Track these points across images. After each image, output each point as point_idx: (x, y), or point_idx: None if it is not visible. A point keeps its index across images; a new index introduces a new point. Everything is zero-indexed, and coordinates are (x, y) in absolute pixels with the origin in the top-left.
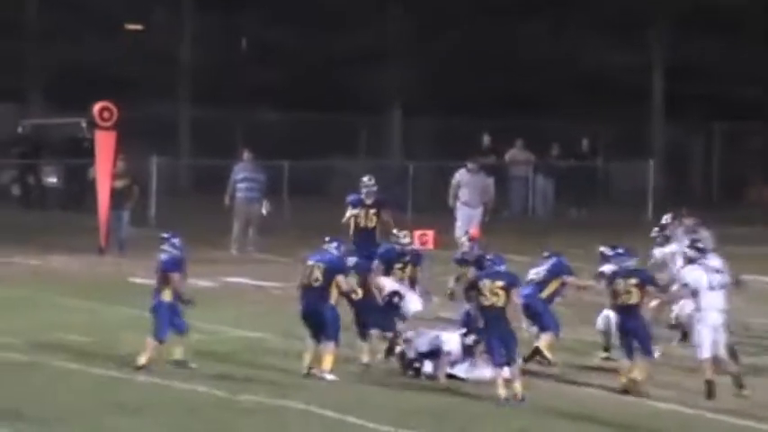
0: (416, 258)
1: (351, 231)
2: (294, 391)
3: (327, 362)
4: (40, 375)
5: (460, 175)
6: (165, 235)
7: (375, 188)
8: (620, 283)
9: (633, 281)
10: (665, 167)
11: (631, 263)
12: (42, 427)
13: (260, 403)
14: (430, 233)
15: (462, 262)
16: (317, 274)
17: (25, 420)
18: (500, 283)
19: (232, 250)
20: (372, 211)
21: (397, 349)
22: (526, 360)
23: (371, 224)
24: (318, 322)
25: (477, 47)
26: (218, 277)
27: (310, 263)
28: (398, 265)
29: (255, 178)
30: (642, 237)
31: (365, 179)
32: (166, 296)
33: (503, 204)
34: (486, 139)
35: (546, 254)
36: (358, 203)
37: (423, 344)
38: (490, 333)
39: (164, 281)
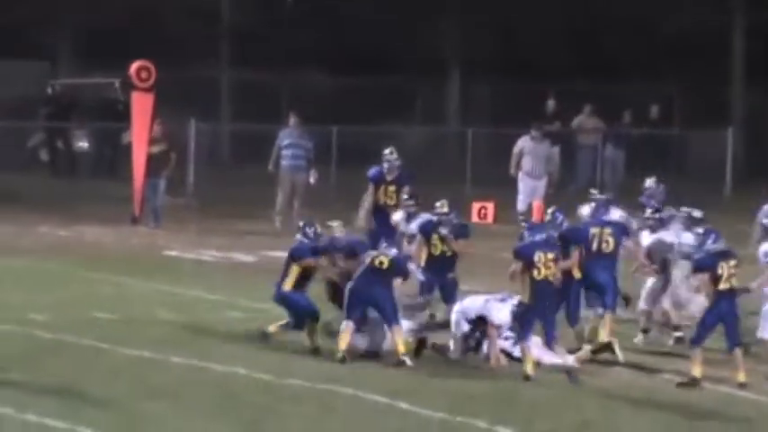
0: (459, 230)
1: (371, 208)
2: (342, 374)
3: (401, 345)
4: (67, 356)
5: (523, 143)
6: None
7: (398, 162)
8: (723, 267)
9: (733, 263)
10: (745, 136)
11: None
12: (70, 411)
13: (306, 388)
14: (489, 206)
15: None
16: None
17: (52, 404)
18: (552, 255)
19: (275, 223)
20: (392, 188)
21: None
22: (595, 352)
23: (392, 201)
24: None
25: (543, 4)
26: (259, 251)
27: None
28: (436, 237)
29: (302, 145)
30: (720, 212)
31: (386, 152)
32: (287, 285)
33: (568, 175)
34: (551, 105)
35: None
36: (379, 178)
37: (471, 310)
38: (543, 308)
39: (288, 269)
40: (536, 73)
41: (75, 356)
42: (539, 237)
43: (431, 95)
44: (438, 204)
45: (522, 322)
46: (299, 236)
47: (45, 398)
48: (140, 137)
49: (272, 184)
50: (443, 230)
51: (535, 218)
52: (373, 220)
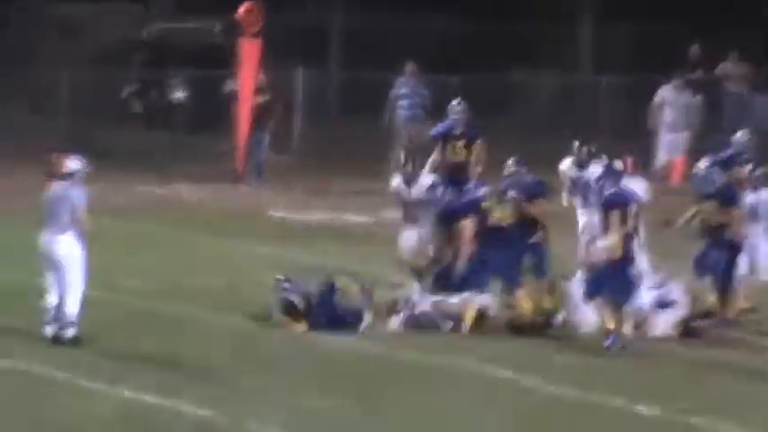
0: (533, 188)
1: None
2: (463, 347)
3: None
4: (163, 325)
5: (664, 93)
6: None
7: (465, 114)
8: None
9: None
10: None
11: None
12: (167, 386)
13: (422, 361)
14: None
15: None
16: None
17: (148, 378)
18: None
19: (392, 180)
20: (460, 142)
21: None
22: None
23: (461, 157)
24: None
25: None
26: (374, 212)
27: None
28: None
29: (418, 93)
30: None
31: (454, 103)
32: None
33: (713, 128)
34: (695, 50)
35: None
36: (447, 134)
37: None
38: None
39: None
40: (678, 14)
41: (171, 326)
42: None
43: (561, 40)
44: (509, 162)
45: None
46: None
47: (140, 371)
48: (246, 86)
49: (387, 137)
50: (511, 193)
51: (675, 176)
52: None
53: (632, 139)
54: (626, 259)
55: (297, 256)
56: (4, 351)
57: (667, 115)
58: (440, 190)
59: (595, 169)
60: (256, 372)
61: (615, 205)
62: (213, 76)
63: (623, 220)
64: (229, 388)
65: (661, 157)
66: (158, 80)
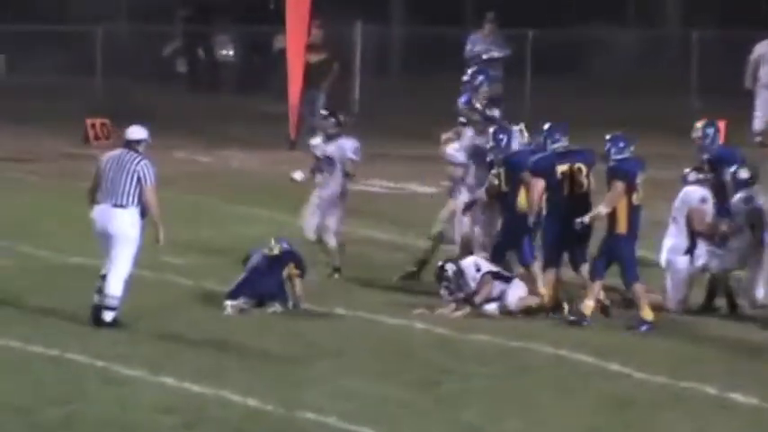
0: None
1: None
2: (537, 330)
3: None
4: (208, 307)
5: (762, 49)
6: None
7: None
8: None
9: None
10: None
11: None
12: (213, 373)
13: (493, 345)
14: (720, 124)
15: None
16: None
17: (192, 365)
18: None
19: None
20: None
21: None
22: None
23: None
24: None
25: None
26: (441, 181)
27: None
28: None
29: (496, 53)
30: None
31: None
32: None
33: None
34: None
35: None
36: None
37: None
38: None
39: None
40: None
41: (217, 308)
42: None
43: None
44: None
45: None
46: None
47: (183, 357)
48: (296, 43)
49: (454, 100)
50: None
51: None
52: None
53: (728, 98)
54: (630, 235)
55: (354, 230)
56: (44, 337)
57: (765, 74)
58: None
59: None
60: (313, 356)
61: (618, 174)
62: (262, 31)
63: (629, 191)
64: (280, 375)
65: (758, 118)
66: (204, 37)
